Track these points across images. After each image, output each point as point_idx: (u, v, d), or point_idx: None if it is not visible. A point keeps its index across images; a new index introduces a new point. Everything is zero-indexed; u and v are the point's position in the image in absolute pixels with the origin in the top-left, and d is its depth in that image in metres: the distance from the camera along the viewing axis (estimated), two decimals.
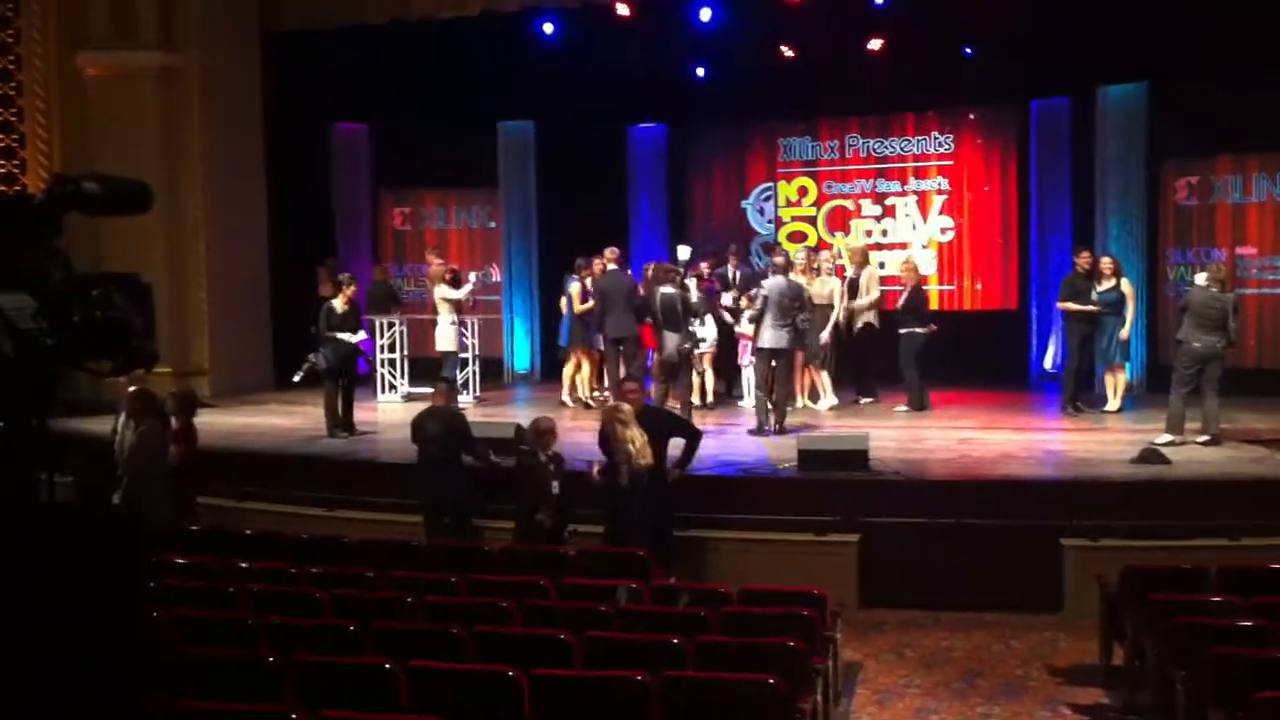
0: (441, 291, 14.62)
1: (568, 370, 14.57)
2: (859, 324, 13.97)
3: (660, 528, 8.67)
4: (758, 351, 12.18)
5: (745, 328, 13.72)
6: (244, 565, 7.65)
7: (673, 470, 8.96)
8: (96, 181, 2.60)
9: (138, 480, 9.26)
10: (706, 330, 13.14)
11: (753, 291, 12.86)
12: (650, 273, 13.67)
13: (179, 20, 15.06)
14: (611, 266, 13.50)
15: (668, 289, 12.73)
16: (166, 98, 15.08)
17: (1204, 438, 10.90)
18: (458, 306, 14.65)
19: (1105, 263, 12.91)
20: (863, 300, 13.94)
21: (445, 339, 14.56)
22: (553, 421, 9.24)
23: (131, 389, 9.67)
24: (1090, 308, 12.73)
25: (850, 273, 14.34)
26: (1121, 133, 15.10)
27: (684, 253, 14.30)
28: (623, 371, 12.95)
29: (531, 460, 8.86)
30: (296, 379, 12.65)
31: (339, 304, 12.61)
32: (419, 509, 9.78)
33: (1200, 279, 11.44)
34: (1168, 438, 10.78)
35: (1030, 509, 9.45)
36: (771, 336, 11.96)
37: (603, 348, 13.97)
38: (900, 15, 14.89)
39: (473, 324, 15.04)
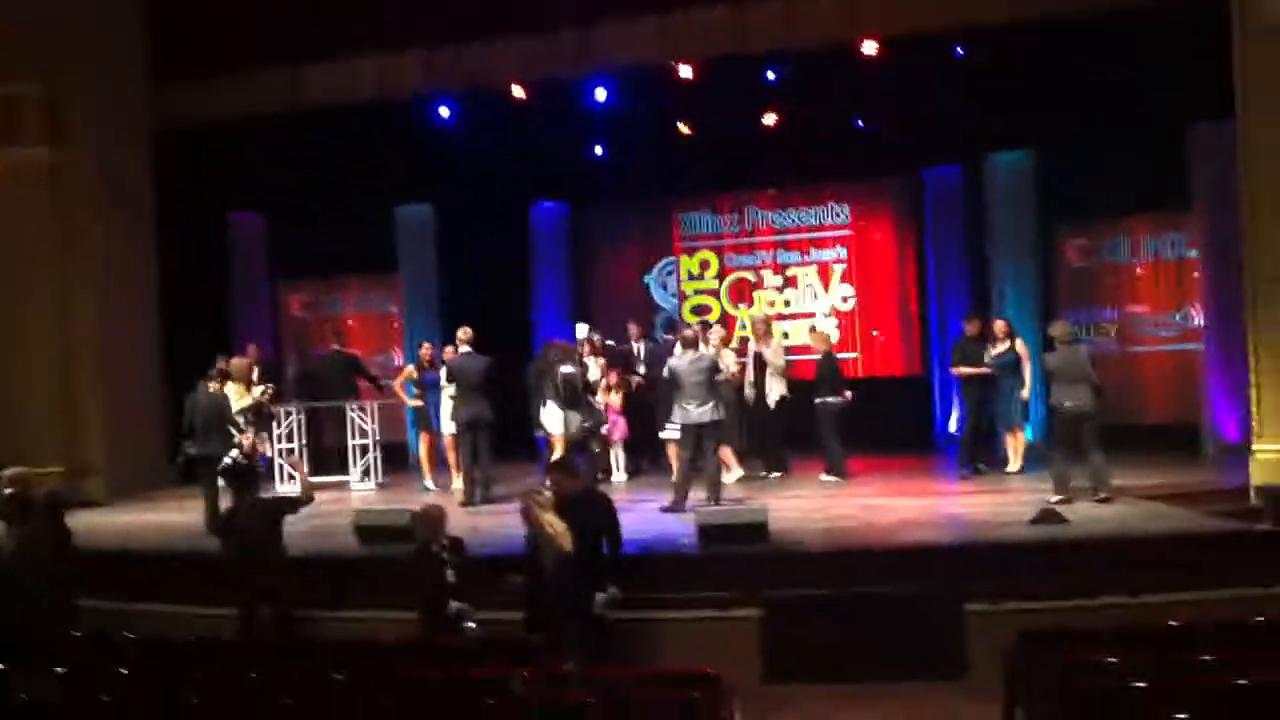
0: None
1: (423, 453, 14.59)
2: (774, 396, 13.87)
3: (587, 613, 8.33)
4: (683, 428, 12.01)
5: (614, 401, 13.87)
6: (122, 671, 7.35)
7: (610, 595, 8.45)
8: None
9: (16, 585, 8.92)
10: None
11: (662, 369, 12.81)
12: (551, 353, 13.53)
13: (66, 116, 14.79)
14: (464, 349, 13.17)
15: (568, 368, 12.70)
16: (56, 195, 14.76)
17: (1099, 495, 11.01)
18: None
19: (999, 326, 13.07)
20: (776, 367, 13.87)
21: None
22: (441, 509, 9.02)
23: (8, 491, 9.36)
24: (982, 370, 12.91)
25: (754, 345, 14.32)
26: (1012, 198, 15.42)
27: (582, 330, 14.25)
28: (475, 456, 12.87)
29: (424, 555, 8.62)
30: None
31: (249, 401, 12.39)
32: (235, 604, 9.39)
33: (1056, 335, 11.57)
34: (1057, 497, 10.88)
35: (931, 574, 9.40)
36: (695, 412, 11.81)
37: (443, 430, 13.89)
38: (793, 90, 15.08)
39: (373, 409, 14.83)
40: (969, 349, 13.17)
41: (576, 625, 8.13)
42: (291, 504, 9.71)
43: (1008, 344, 12.86)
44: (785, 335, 16.40)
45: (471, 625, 8.41)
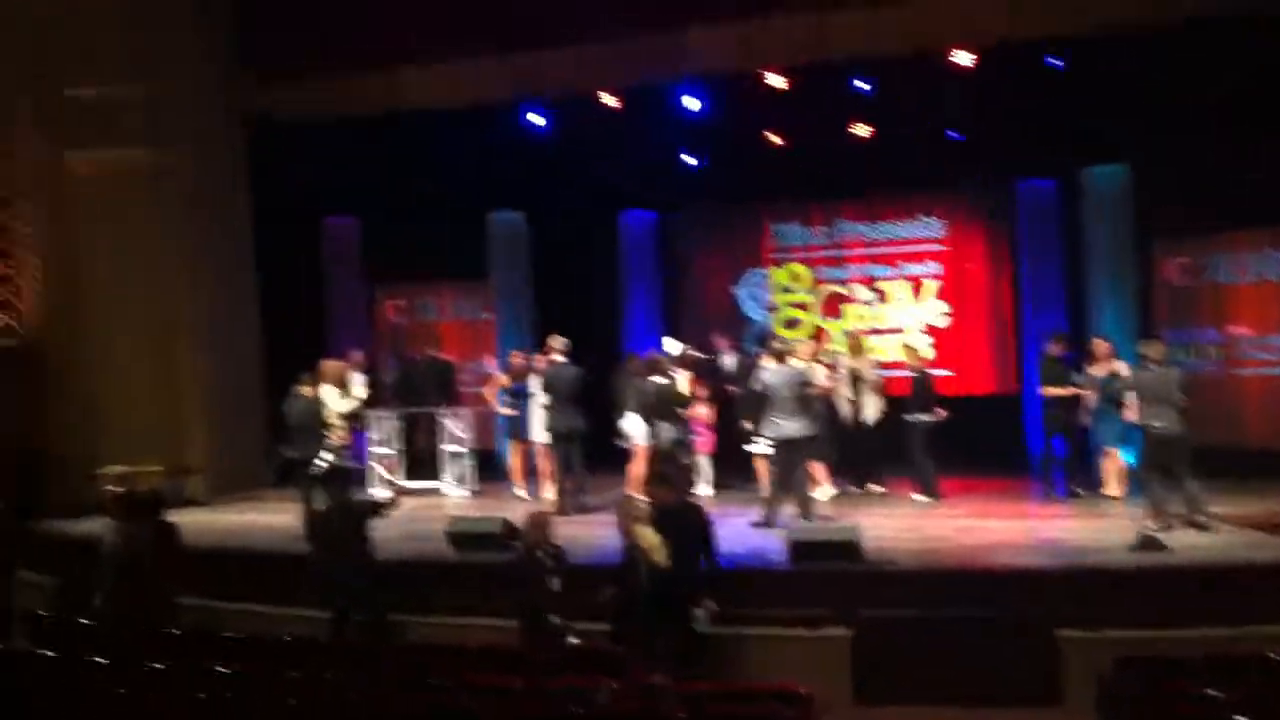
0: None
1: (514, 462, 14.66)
2: (871, 413, 13.72)
3: (681, 626, 8.31)
4: (775, 443, 11.96)
5: (704, 415, 13.86)
6: (221, 669, 7.49)
7: (710, 610, 8.44)
8: None
9: (118, 581, 9.14)
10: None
11: (754, 381, 12.79)
12: (634, 364, 13.53)
13: (166, 117, 15.11)
14: (558, 357, 13.23)
15: (659, 379, 12.72)
16: (155, 196, 15.06)
17: (1195, 522, 10.81)
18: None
19: (1100, 346, 12.80)
20: (872, 383, 13.74)
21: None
22: (548, 515, 9.06)
23: (114, 489, 9.60)
24: (1070, 391, 12.75)
25: (846, 361, 14.15)
26: (1108, 213, 15.15)
27: (675, 347, 14.22)
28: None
29: (529, 559, 8.63)
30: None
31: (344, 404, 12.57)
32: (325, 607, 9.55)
33: (1150, 355, 11.35)
34: (1156, 523, 10.68)
35: (1027, 599, 9.28)
36: (787, 426, 11.76)
37: (537, 439, 13.94)
38: (886, 101, 14.97)
39: (466, 415, 14.95)
40: (1056, 369, 12.99)
41: (669, 638, 8.12)
42: (378, 508, 9.83)
43: (1109, 365, 12.60)
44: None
45: (573, 640, 8.41)
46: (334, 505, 9.81)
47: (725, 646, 9.08)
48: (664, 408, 12.60)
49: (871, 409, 13.70)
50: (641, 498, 8.72)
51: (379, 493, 14.54)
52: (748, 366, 14.06)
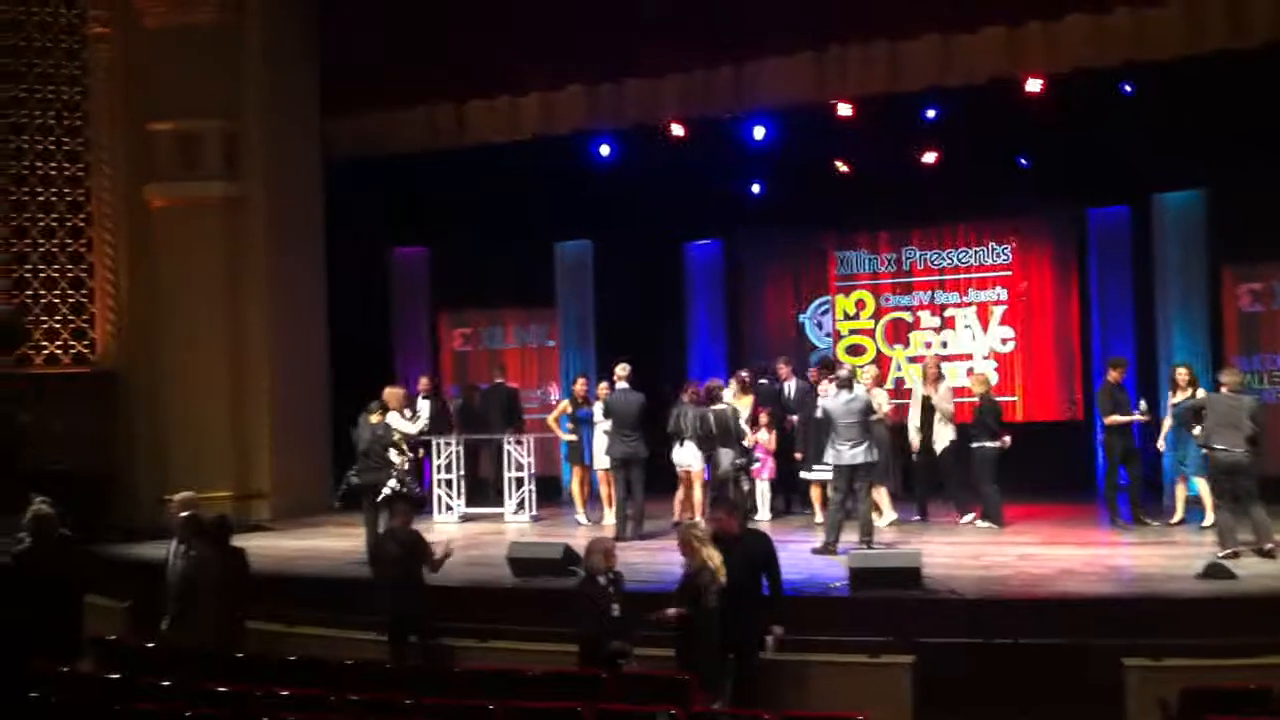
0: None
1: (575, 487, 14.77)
2: (942, 443, 13.55)
3: (747, 649, 8.34)
4: (836, 469, 11.94)
5: (765, 440, 13.90)
6: (284, 693, 7.58)
7: (774, 635, 8.51)
8: None
9: (185, 605, 9.29)
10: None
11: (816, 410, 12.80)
12: (698, 392, 13.53)
13: (243, 151, 15.47)
14: (621, 384, 13.27)
15: (720, 406, 12.74)
16: (231, 227, 15.44)
17: (1263, 550, 10.62)
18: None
19: (1180, 373, 12.54)
20: (944, 413, 13.57)
21: None
22: (610, 541, 9.08)
23: (183, 514, 9.76)
24: (1132, 418, 12.67)
25: (922, 389, 13.98)
26: (1180, 240, 14.98)
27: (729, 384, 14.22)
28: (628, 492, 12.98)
29: (591, 585, 8.62)
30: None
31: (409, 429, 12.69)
32: (385, 631, 9.59)
33: (1225, 381, 11.18)
34: (1225, 551, 10.52)
35: (1090, 628, 9.15)
36: (849, 453, 11.73)
37: (599, 465, 14.00)
38: (954, 128, 14.94)
39: (528, 442, 15.05)
40: (1118, 396, 12.84)
41: (734, 661, 8.13)
42: (426, 554, 9.85)
43: (1189, 392, 12.32)
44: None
45: (633, 665, 8.38)
46: (390, 530, 9.93)
47: (784, 673, 9.04)
48: (723, 435, 12.61)
49: (944, 439, 13.54)
50: (702, 522, 8.69)
51: (443, 519, 14.74)
52: (805, 393, 14.05)
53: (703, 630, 8.11)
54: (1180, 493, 12.71)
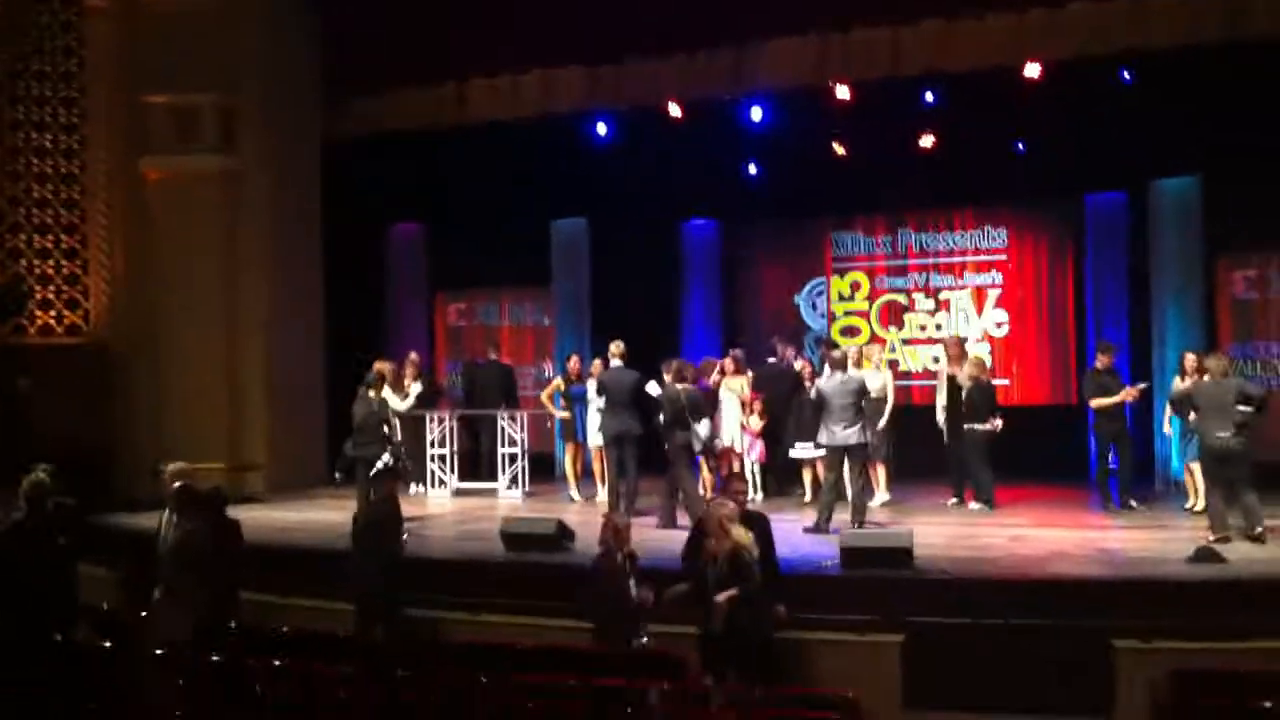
0: None
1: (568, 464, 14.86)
2: (1001, 422, 13.19)
3: (760, 628, 8.42)
4: (830, 449, 11.99)
5: (754, 424, 13.88)
6: (277, 663, 7.60)
7: (778, 613, 8.64)
8: None
9: (178, 575, 9.31)
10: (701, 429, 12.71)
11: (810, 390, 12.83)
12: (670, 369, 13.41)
13: (241, 126, 15.45)
14: (615, 362, 13.21)
15: (683, 386, 12.60)
16: (227, 200, 15.44)
17: (1253, 534, 10.67)
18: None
19: (1188, 359, 12.48)
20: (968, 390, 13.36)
21: None
22: (624, 519, 9.10)
23: (176, 484, 9.77)
24: (1123, 398, 12.74)
25: (947, 368, 13.88)
26: (1177, 226, 14.97)
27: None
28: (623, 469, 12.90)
29: (608, 562, 8.60)
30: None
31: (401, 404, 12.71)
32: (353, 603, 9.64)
33: (1190, 364, 11.50)
34: (1215, 536, 10.59)
35: (1080, 609, 9.20)
36: (842, 433, 11.77)
37: (592, 442, 14.03)
38: (951, 112, 14.93)
39: (522, 418, 15.09)
40: (1105, 380, 12.86)
41: (749, 640, 8.22)
42: (393, 532, 9.88)
43: (1197, 378, 12.34)
44: (935, 360, 16.15)
45: (645, 639, 8.44)
46: (374, 503, 9.96)
47: (776, 651, 9.09)
48: (677, 416, 12.44)
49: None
50: (730, 503, 8.72)
51: (436, 493, 14.79)
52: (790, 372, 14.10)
53: (747, 607, 8.14)
54: (1190, 480, 12.64)
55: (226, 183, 15.43)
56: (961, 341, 14.64)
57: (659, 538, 11.24)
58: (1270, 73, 12.51)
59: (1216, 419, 10.84)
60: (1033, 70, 13.43)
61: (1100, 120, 14.21)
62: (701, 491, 12.80)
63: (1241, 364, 14.41)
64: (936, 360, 14.88)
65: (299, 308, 15.93)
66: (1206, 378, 11.15)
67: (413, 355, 15.55)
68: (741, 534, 8.22)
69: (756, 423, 13.96)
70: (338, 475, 13.17)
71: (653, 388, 13.02)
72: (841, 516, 11.77)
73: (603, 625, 8.56)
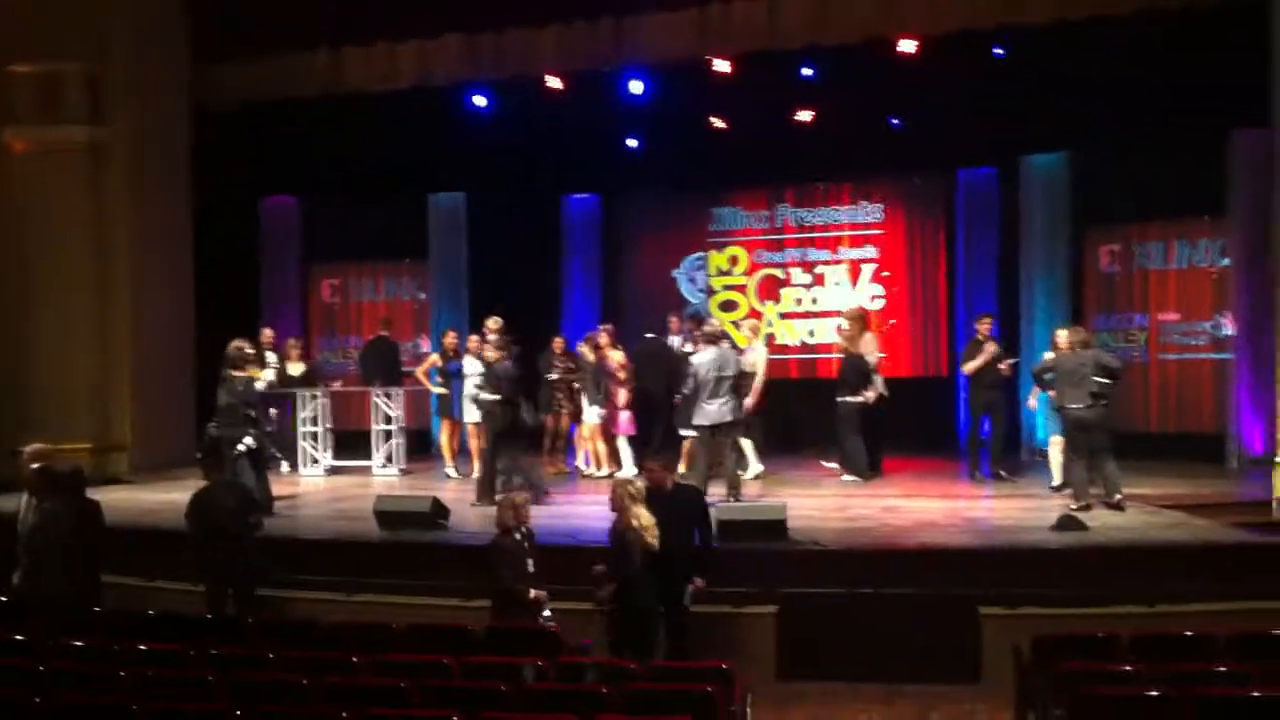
0: None
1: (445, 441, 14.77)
2: (874, 395, 13.44)
3: (676, 605, 8.46)
4: (698, 428, 11.99)
5: (621, 397, 13.90)
6: (142, 647, 7.42)
7: (695, 585, 8.56)
8: None
9: (37, 559, 9.03)
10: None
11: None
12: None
13: (108, 95, 14.95)
14: (492, 338, 12.84)
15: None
16: (94, 172, 14.94)
17: (1111, 502, 11.02)
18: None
19: (1061, 334, 12.48)
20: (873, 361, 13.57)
21: None
22: (523, 497, 9.05)
23: (34, 465, 9.47)
24: (987, 355, 12.94)
25: (844, 345, 13.92)
26: (1046, 201, 15.29)
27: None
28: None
29: (508, 540, 8.53)
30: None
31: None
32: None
33: (1062, 340, 11.64)
34: (1078, 504, 10.89)
35: (949, 578, 9.39)
36: (713, 411, 11.77)
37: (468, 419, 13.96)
38: (829, 87, 15.06)
39: (397, 395, 14.90)
40: (978, 349, 13.13)
41: (664, 617, 8.30)
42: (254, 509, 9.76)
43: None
44: (811, 333, 16.34)
45: (547, 614, 8.42)
46: (225, 483, 9.77)
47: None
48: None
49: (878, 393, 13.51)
50: (638, 480, 8.73)
51: (308, 471, 14.58)
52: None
53: (630, 588, 8.19)
54: (1054, 454, 12.70)
55: (94, 154, 14.91)
56: (862, 315, 14.62)
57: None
58: (1138, 50, 12.81)
59: (1072, 390, 11.16)
60: (908, 45, 13.57)
61: (973, 96, 14.42)
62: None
63: (1106, 336, 14.75)
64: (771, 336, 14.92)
65: (167, 283, 15.50)
66: (1060, 348, 11.43)
67: (266, 331, 15.19)
68: (640, 513, 8.23)
69: (623, 396, 13.94)
70: (199, 456, 12.86)
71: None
72: (717, 490, 11.83)
73: (501, 603, 8.52)
